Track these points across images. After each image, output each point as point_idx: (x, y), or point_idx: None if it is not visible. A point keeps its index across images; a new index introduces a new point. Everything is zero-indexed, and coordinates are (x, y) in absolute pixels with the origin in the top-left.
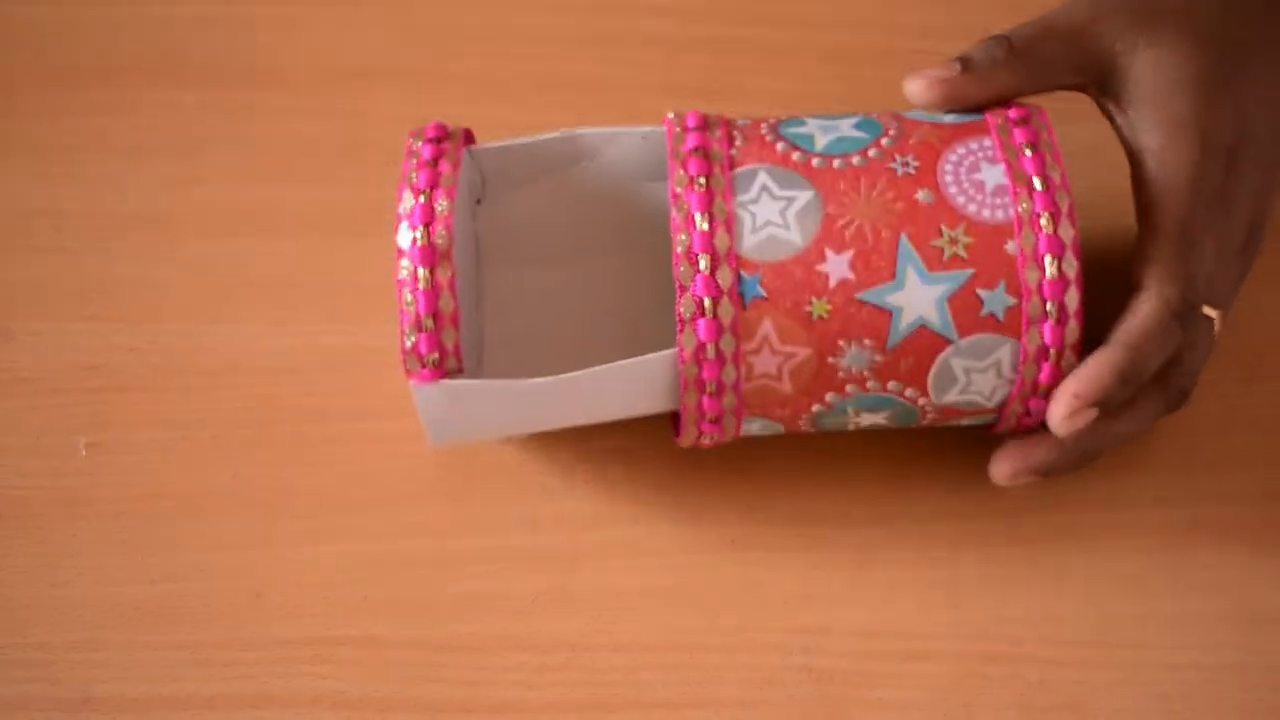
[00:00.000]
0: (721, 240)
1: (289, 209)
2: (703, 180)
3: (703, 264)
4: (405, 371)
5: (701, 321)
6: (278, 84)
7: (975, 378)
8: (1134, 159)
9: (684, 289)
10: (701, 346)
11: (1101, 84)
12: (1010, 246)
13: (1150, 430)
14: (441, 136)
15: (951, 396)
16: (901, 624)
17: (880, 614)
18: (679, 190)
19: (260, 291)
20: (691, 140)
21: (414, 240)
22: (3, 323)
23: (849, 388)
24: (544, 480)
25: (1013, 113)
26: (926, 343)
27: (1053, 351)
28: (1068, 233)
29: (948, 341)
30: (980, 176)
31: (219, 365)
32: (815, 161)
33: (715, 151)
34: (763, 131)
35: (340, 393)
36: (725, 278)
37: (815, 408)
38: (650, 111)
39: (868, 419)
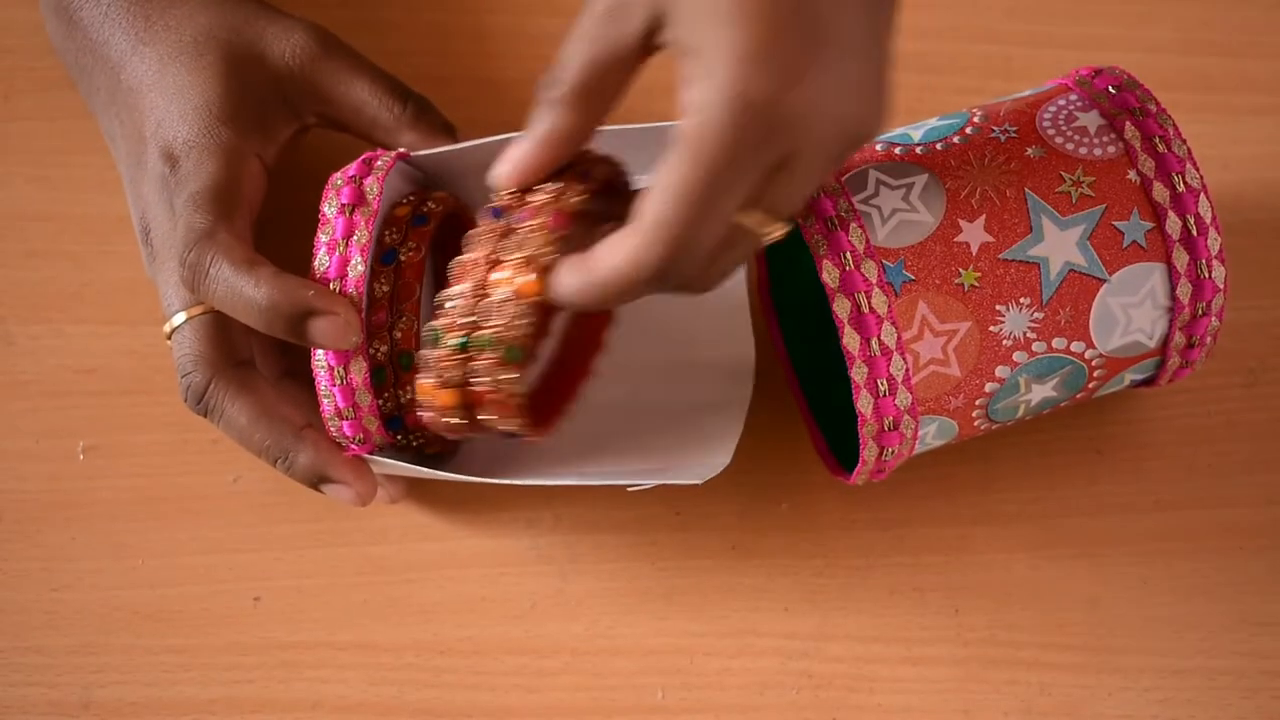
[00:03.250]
0: (857, 236)
1: (281, 212)
2: (818, 190)
3: (846, 261)
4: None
5: (860, 318)
6: None
7: (1134, 314)
8: None
9: (835, 292)
10: (865, 343)
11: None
12: (1132, 175)
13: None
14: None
15: (1115, 340)
16: (902, 629)
17: (880, 619)
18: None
19: None
20: None
21: None
22: (2, 326)
23: (1016, 355)
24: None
25: (1084, 70)
26: (1079, 286)
27: (1201, 264)
28: (1182, 149)
29: (1100, 280)
30: (1079, 123)
31: None
32: (919, 149)
33: None
34: None
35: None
36: (870, 270)
37: (988, 386)
38: (650, 113)
39: (1038, 392)
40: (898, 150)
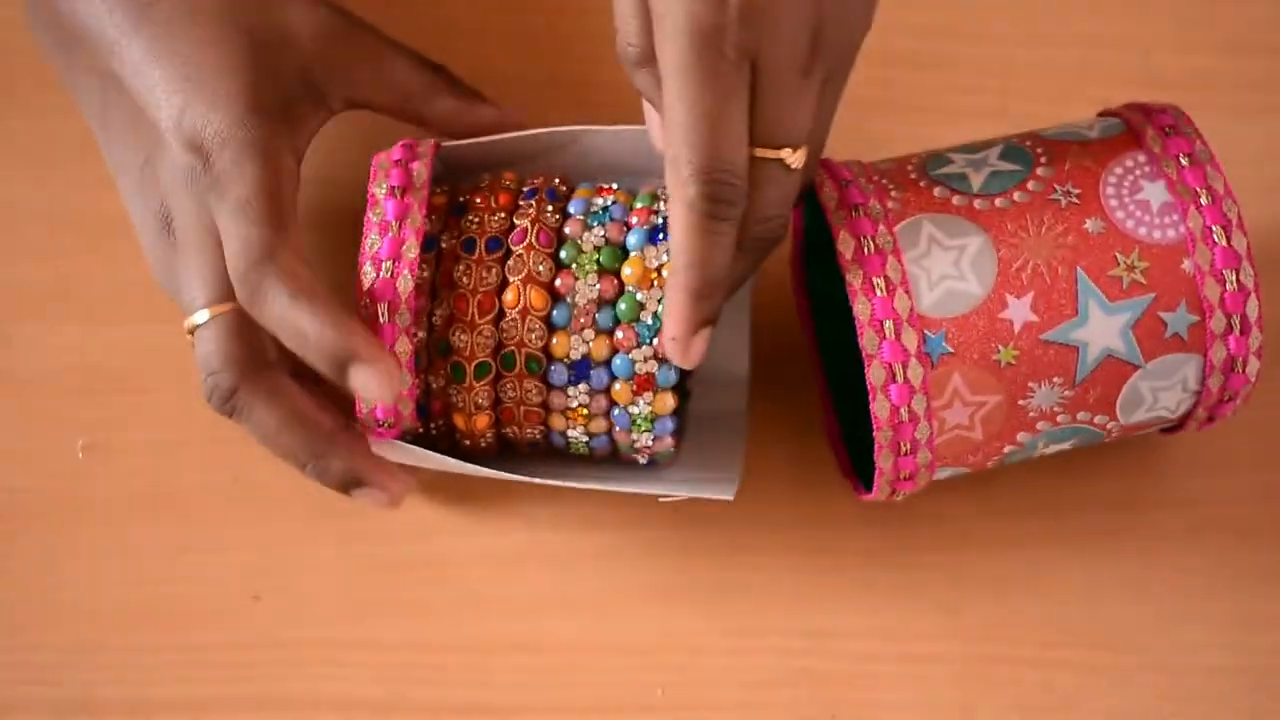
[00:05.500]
0: (902, 303)
1: None
2: (871, 241)
3: (888, 329)
4: (362, 427)
5: (893, 387)
6: None
7: (1162, 395)
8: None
9: (871, 357)
10: (895, 410)
11: None
12: (1187, 265)
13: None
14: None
15: (1138, 416)
16: (901, 626)
17: (880, 616)
18: (848, 253)
19: None
20: (849, 197)
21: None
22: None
23: (1040, 425)
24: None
25: (1157, 121)
26: (1114, 371)
27: (1238, 360)
28: (1241, 243)
29: (1135, 367)
30: (1144, 196)
31: None
32: (977, 203)
33: (874, 208)
34: (912, 176)
35: (339, 395)
36: (911, 340)
37: (1007, 449)
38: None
39: (1054, 448)
40: (955, 200)
